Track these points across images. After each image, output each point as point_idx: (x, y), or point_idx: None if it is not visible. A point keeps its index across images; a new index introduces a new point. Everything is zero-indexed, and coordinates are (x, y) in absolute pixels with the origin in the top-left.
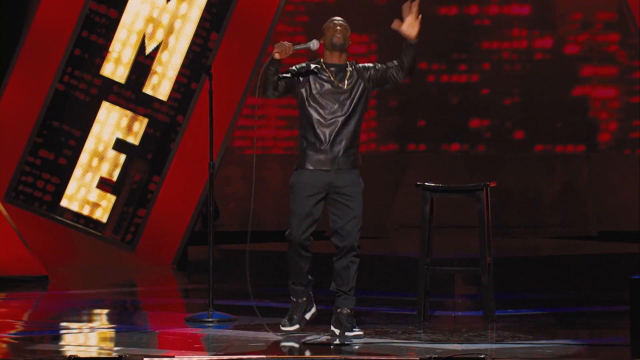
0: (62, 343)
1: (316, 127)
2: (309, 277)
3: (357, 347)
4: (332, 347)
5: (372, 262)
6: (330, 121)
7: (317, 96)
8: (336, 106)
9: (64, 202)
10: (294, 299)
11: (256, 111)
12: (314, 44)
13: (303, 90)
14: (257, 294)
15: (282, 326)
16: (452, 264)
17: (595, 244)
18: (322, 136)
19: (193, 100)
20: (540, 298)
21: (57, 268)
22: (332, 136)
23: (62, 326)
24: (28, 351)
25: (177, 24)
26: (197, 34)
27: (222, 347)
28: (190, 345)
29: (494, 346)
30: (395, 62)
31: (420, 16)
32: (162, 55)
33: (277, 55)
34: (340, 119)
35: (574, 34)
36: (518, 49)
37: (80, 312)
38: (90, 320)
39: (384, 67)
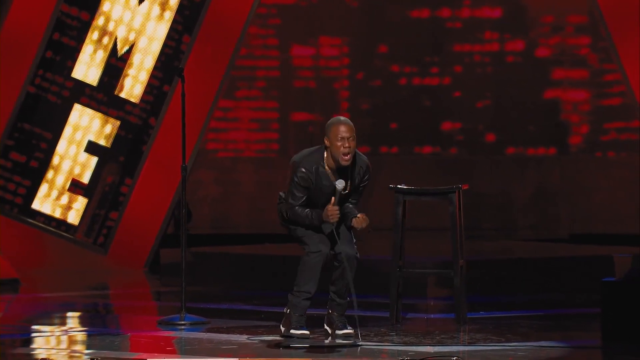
0: (33, 346)
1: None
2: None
3: (330, 349)
4: (306, 350)
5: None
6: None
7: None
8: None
9: (35, 205)
10: (296, 314)
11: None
12: (339, 184)
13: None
14: (230, 297)
15: (292, 330)
16: (425, 267)
17: (567, 247)
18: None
19: (165, 103)
20: (512, 300)
21: (29, 271)
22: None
23: (33, 329)
24: None
25: (150, 26)
26: (169, 37)
27: (194, 349)
28: (163, 348)
29: (466, 348)
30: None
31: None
32: (134, 58)
33: (333, 222)
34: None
35: (545, 37)
36: (490, 52)
37: (52, 315)
38: (62, 324)
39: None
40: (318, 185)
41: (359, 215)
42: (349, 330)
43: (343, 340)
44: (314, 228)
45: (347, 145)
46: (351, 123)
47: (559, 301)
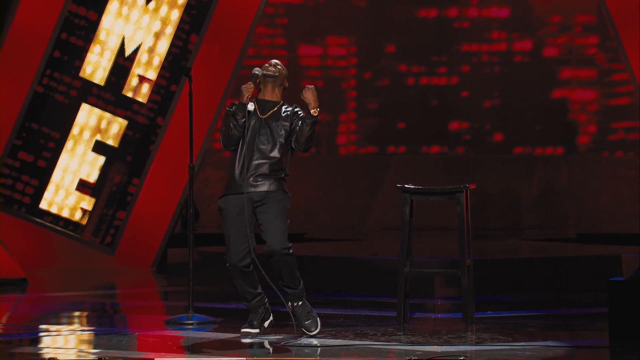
0: (41, 345)
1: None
2: (257, 291)
3: (337, 349)
4: (311, 349)
5: (352, 264)
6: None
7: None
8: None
9: (43, 205)
10: (251, 312)
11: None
12: (257, 70)
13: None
14: (237, 297)
15: (243, 329)
16: (432, 266)
17: (574, 246)
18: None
19: (173, 103)
20: (519, 300)
21: (36, 270)
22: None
23: (41, 329)
24: (7, 354)
25: (157, 25)
26: (176, 36)
27: (201, 349)
28: (170, 348)
29: (474, 348)
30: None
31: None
32: (142, 57)
33: (246, 99)
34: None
35: (553, 37)
36: (497, 52)
37: (60, 315)
38: (69, 323)
39: (297, 126)
40: (248, 116)
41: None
42: (316, 332)
43: (305, 331)
44: (228, 218)
45: (272, 63)
46: (283, 66)
47: (566, 301)
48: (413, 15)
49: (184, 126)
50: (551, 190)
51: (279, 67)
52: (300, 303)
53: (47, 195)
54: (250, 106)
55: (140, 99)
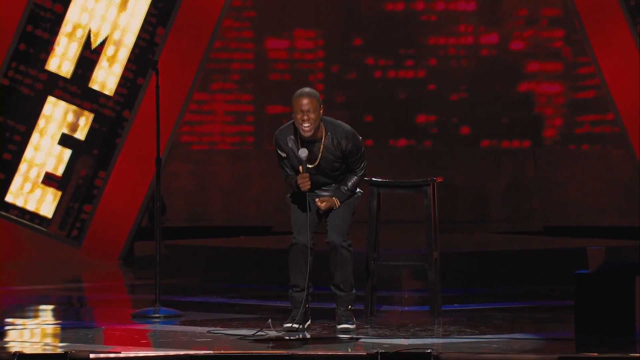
0: (7, 339)
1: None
2: (309, 283)
3: (305, 342)
4: (281, 342)
5: (319, 257)
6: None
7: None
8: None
9: (9, 198)
10: (294, 307)
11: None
12: (303, 154)
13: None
14: (205, 290)
15: (286, 324)
16: (399, 259)
17: (541, 239)
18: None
19: (139, 96)
20: (486, 293)
21: (2, 264)
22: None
23: (7, 322)
24: None
25: (124, 18)
26: (143, 29)
27: (168, 342)
28: (137, 341)
29: (441, 341)
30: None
31: (324, 204)
32: (108, 50)
33: (305, 189)
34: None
35: (520, 30)
36: (464, 45)
37: (26, 308)
38: (35, 317)
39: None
40: (293, 155)
41: (320, 199)
42: (348, 326)
43: (340, 334)
44: (299, 211)
45: (305, 117)
46: (314, 95)
47: (532, 293)
48: (380, 8)
49: (150, 119)
50: (518, 184)
51: (311, 113)
52: (342, 308)
53: (13, 188)
54: (302, 153)
55: (106, 92)
